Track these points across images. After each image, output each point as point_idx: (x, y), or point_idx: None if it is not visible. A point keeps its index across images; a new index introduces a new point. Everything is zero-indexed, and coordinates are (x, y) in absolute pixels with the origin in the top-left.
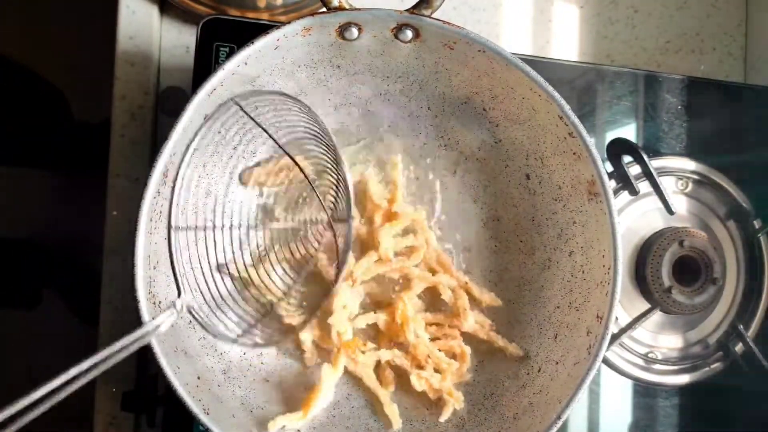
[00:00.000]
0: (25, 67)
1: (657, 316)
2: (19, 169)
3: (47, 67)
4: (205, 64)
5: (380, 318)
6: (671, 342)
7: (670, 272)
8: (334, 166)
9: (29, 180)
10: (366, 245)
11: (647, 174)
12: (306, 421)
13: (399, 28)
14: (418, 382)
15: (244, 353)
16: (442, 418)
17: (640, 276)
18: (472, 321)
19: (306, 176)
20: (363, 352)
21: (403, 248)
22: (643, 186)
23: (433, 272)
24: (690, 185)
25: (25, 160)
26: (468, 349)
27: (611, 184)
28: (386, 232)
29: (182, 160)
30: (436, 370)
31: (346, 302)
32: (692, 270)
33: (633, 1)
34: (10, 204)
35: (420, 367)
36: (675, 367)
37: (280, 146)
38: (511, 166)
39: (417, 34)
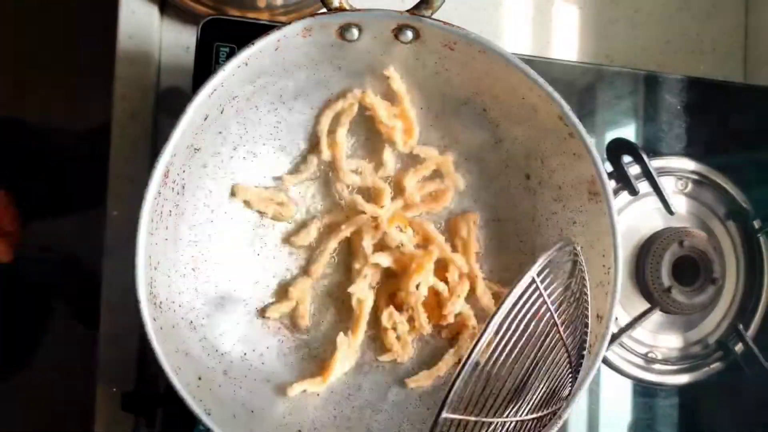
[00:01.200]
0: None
1: (657, 316)
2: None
3: (47, 67)
4: (205, 64)
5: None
6: (671, 342)
7: (669, 272)
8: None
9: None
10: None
11: (647, 174)
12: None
13: (399, 29)
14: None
15: (245, 354)
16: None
17: (640, 276)
18: (454, 311)
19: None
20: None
21: (428, 194)
22: (643, 186)
23: (454, 247)
24: (690, 185)
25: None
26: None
27: (611, 184)
28: (411, 177)
29: None
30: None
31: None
32: (692, 270)
33: (633, 1)
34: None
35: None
36: (675, 367)
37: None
38: (511, 166)
39: (417, 35)
